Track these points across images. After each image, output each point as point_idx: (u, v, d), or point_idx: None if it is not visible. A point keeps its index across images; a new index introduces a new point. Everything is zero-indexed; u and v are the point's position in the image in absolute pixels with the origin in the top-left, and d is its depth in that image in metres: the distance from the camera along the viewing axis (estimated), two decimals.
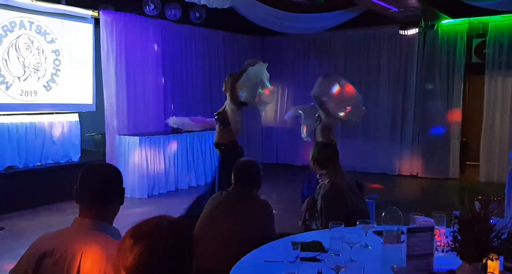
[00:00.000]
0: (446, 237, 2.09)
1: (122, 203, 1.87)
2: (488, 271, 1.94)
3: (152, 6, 7.86)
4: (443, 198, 6.78)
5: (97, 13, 7.51)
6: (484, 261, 1.89)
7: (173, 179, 7.85)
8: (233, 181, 2.96)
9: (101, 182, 1.82)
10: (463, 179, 8.88)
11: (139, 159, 7.28)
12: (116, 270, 1.32)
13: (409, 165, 9.41)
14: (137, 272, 1.28)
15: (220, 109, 5.50)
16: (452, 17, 8.71)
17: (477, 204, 2.09)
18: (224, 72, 10.00)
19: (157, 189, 7.58)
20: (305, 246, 2.33)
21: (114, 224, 1.85)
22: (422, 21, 8.50)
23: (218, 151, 5.50)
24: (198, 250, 1.37)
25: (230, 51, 10.14)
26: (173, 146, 7.88)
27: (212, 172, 6.28)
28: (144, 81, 8.11)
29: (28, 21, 6.85)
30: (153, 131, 8.15)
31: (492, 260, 1.89)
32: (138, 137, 7.34)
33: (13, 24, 6.66)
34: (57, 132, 7.35)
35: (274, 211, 2.91)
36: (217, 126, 5.49)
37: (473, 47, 8.88)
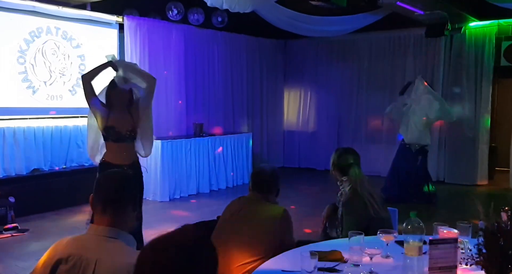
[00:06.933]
0: (470, 250, 2.01)
1: (135, 210, 1.87)
2: None
3: (175, 11, 7.93)
4: (470, 205, 6.58)
5: (121, 19, 7.61)
6: None
7: (194, 182, 7.88)
8: (250, 187, 2.93)
9: (112, 189, 1.84)
10: (492, 186, 8.64)
11: (161, 162, 7.32)
12: None
13: (436, 170, 9.21)
14: None
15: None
16: (480, 20, 8.51)
17: (503, 214, 2.00)
18: (246, 76, 10.00)
19: (179, 192, 7.60)
20: (324, 256, 2.28)
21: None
22: (449, 24, 8.32)
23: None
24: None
25: (252, 55, 10.14)
26: (195, 150, 7.90)
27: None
28: (167, 85, 8.15)
29: (55, 27, 6.98)
30: (175, 135, 8.20)
31: None
32: (160, 141, 7.37)
33: (40, 30, 6.80)
34: (81, 135, 7.45)
35: (293, 218, 2.85)
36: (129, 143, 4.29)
37: (502, 50, 8.65)
